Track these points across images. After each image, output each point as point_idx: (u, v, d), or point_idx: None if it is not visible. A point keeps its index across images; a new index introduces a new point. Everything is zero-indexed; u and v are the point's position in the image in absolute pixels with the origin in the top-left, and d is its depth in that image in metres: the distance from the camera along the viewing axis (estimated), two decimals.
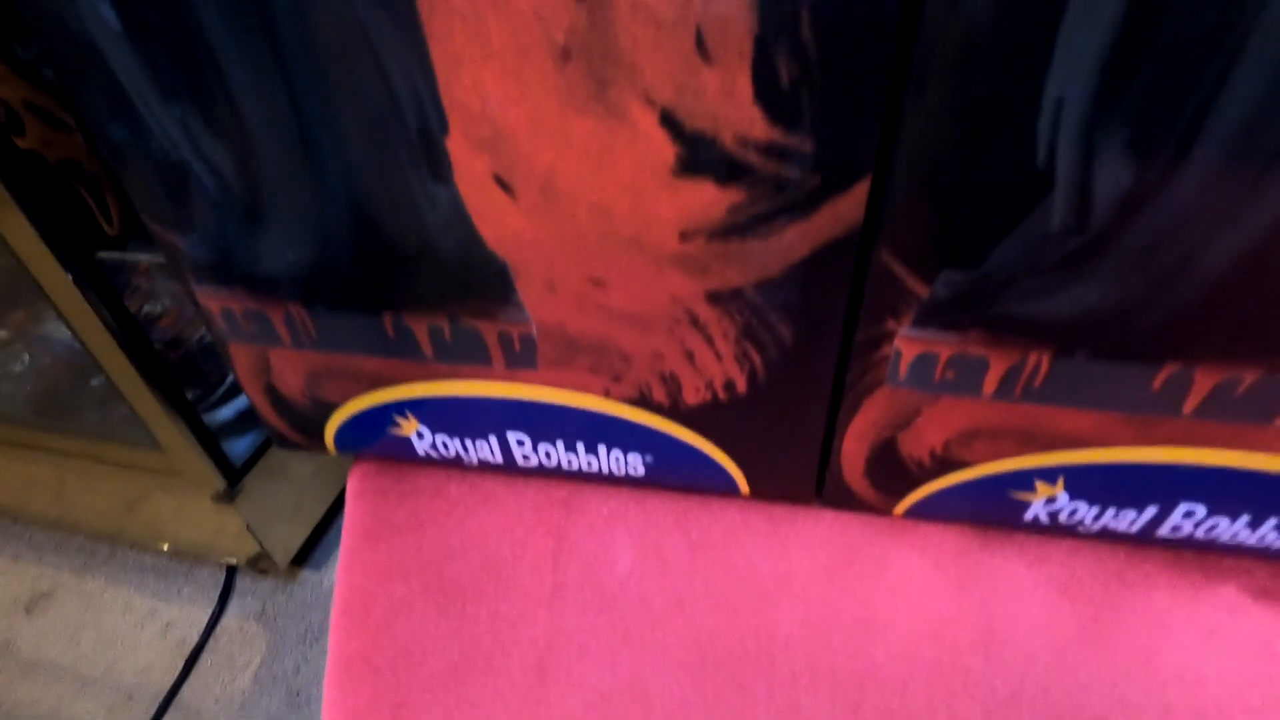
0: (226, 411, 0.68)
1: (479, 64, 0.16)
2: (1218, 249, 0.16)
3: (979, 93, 0.14)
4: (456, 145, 0.17)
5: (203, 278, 0.22)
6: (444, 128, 0.17)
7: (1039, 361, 0.18)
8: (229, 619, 0.63)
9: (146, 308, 0.72)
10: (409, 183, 0.18)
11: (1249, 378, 0.17)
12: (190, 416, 0.55)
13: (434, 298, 0.21)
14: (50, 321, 0.74)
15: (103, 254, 0.52)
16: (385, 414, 0.25)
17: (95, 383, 0.69)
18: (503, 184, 0.18)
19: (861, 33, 0.14)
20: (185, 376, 0.63)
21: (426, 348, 0.22)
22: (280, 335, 0.23)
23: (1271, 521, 0.21)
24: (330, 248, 0.20)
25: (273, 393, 0.25)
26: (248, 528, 0.60)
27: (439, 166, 0.18)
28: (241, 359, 0.24)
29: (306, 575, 0.66)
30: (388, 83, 0.16)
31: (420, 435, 0.26)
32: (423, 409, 0.24)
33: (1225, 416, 0.18)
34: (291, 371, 0.24)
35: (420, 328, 0.22)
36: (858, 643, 0.22)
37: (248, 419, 0.67)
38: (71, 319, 0.51)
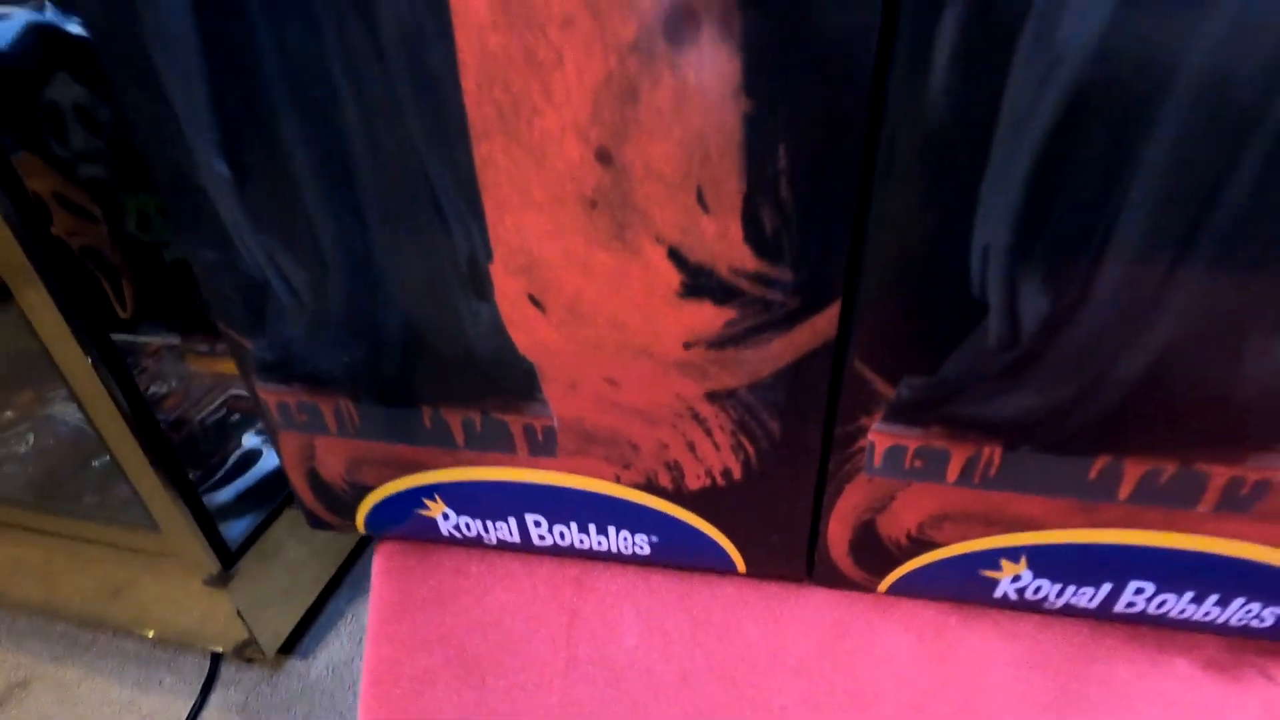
0: (225, 494, 0.69)
1: (521, 210, 0.20)
2: (1130, 359, 0.19)
3: (922, 244, 0.18)
4: (498, 271, 0.21)
5: (265, 375, 0.25)
6: (489, 257, 0.21)
7: (991, 454, 0.21)
8: (210, 711, 0.62)
9: (153, 388, 0.74)
10: (455, 300, 0.22)
11: (1169, 469, 0.20)
12: (191, 497, 0.56)
13: (469, 394, 0.24)
14: (57, 403, 0.77)
15: (116, 336, 0.55)
16: (415, 497, 0.28)
17: (96, 464, 0.70)
18: (535, 302, 0.21)
19: (829, 196, 0.18)
20: (187, 457, 0.65)
21: (459, 437, 0.25)
22: (328, 425, 0.26)
23: (1212, 598, 0.23)
24: (382, 351, 0.23)
25: (314, 477, 0.28)
26: (238, 613, 0.60)
27: (482, 287, 0.21)
28: (289, 445, 0.27)
29: (293, 665, 0.65)
30: (445, 221, 0.20)
31: (446, 516, 0.28)
32: (450, 492, 0.27)
33: (1155, 502, 0.21)
34: (334, 457, 0.27)
35: (455, 420, 0.25)
36: (850, 715, 0.24)
37: (246, 501, 0.69)
38: (85, 399, 0.53)
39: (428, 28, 0.17)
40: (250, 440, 0.70)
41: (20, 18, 0.60)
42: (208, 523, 0.57)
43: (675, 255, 0.20)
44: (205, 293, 0.24)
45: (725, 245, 0.19)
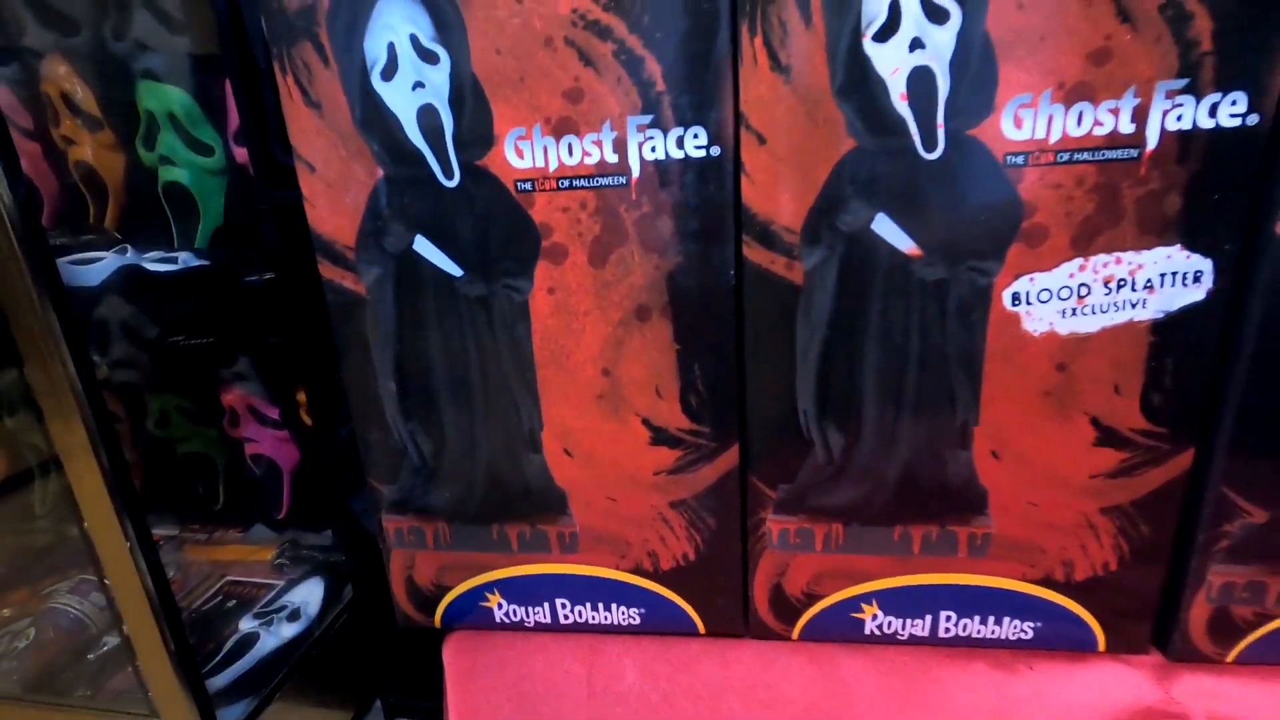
0: (222, 678, 0.73)
1: (561, 403, 0.36)
2: (892, 465, 0.35)
3: (774, 409, 0.34)
4: (546, 436, 0.37)
5: (390, 510, 0.39)
6: (541, 429, 0.36)
7: (837, 529, 0.36)
8: None
9: None
10: (519, 454, 0.37)
11: (934, 530, 0.35)
12: (195, 682, 0.58)
13: (523, 513, 0.38)
14: (61, 595, 0.81)
15: None
16: (479, 593, 0.41)
17: (91, 656, 0.74)
18: (568, 453, 0.37)
19: (724, 388, 0.34)
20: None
21: (514, 544, 0.39)
22: (426, 541, 0.40)
23: (991, 619, 0.37)
24: (471, 490, 0.38)
25: (410, 583, 0.41)
26: None
27: (536, 446, 0.37)
28: (397, 561, 0.41)
29: None
30: (518, 411, 0.36)
31: (499, 606, 0.41)
32: (504, 586, 0.40)
33: (934, 554, 0.36)
34: (428, 566, 0.41)
35: (512, 531, 0.39)
36: (773, 715, 0.36)
37: (242, 685, 0.73)
38: (116, 580, 0.59)
39: (516, 317, 0.34)
40: (247, 624, 0.74)
41: (113, 261, 0.74)
42: (207, 708, 0.59)
43: (646, 423, 0.36)
44: (364, 459, 0.39)
45: (672, 416, 0.35)
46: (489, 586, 0.41)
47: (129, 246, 0.69)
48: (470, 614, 0.42)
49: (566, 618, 0.41)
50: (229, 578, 0.76)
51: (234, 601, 0.74)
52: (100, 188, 0.64)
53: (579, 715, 0.36)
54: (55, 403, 0.48)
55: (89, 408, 0.48)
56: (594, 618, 0.41)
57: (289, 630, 0.69)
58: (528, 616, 0.41)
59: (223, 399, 0.67)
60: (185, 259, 0.65)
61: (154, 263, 0.67)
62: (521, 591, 0.41)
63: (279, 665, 0.68)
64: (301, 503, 0.70)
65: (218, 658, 0.71)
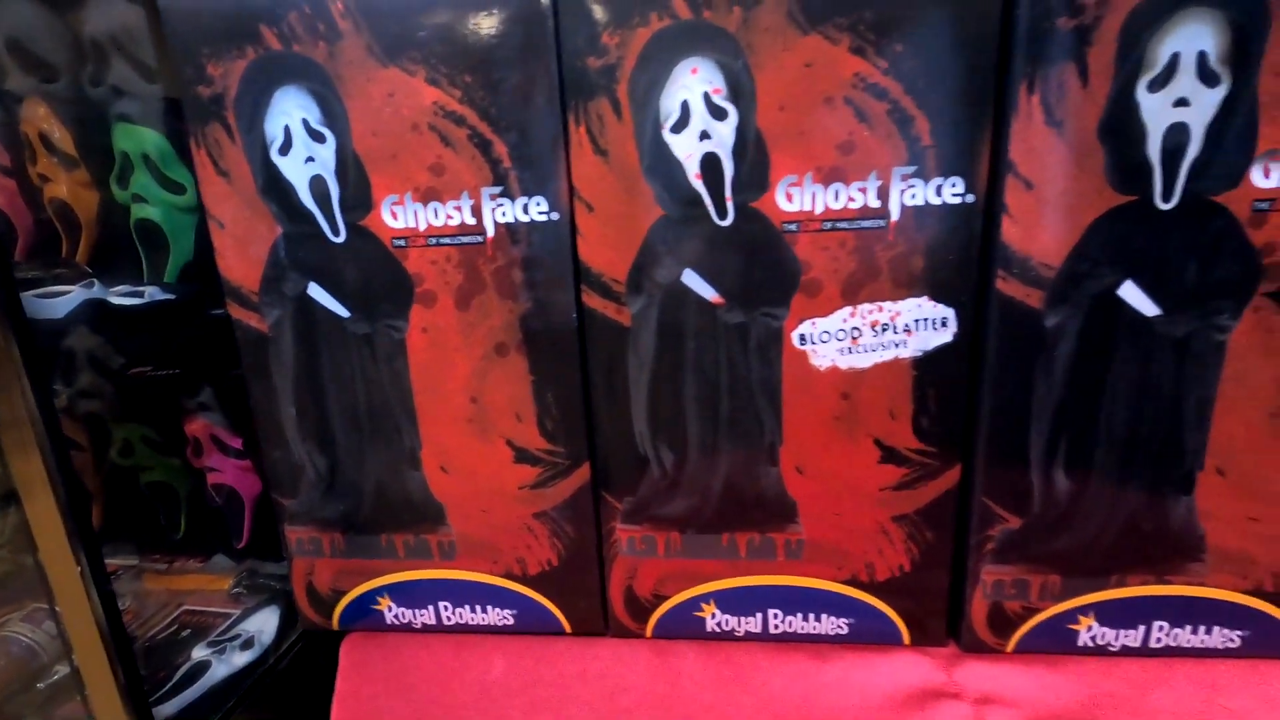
0: (171, 706, 0.75)
1: (438, 425, 0.41)
2: (712, 480, 0.40)
3: (615, 432, 0.40)
4: (426, 454, 0.42)
5: (292, 521, 0.44)
6: (420, 447, 0.42)
7: (673, 537, 0.42)
8: None
9: None
10: (404, 472, 0.42)
11: (756, 537, 0.41)
12: (143, 713, 0.59)
13: (406, 523, 0.44)
14: (12, 624, 0.83)
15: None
16: (372, 597, 0.46)
17: (42, 685, 0.76)
18: (444, 470, 0.42)
19: (572, 414, 0.40)
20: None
21: (400, 552, 0.44)
22: (324, 550, 0.45)
23: (812, 616, 0.42)
24: (361, 503, 0.43)
25: (311, 588, 0.46)
26: None
27: (417, 465, 0.42)
28: (298, 567, 0.45)
29: None
30: (400, 434, 0.42)
31: (390, 609, 0.46)
32: (394, 591, 0.45)
33: (758, 558, 0.41)
34: (325, 573, 0.45)
35: (399, 540, 0.44)
36: (619, 701, 0.41)
37: (192, 712, 0.74)
38: (66, 608, 0.62)
39: (396, 352, 0.40)
40: (200, 652, 0.76)
41: (79, 295, 0.78)
42: None
43: (510, 444, 0.41)
44: (269, 475, 0.44)
45: (531, 438, 0.41)
46: (380, 591, 0.46)
47: (95, 281, 0.71)
48: (365, 617, 0.47)
49: (449, 619, 0.46)
50: (186, 607, 0.77)
51: (189, 630, 0.75)
52: (74, 223, 0.68)
53: (450, 703, 0.41)
54: (15, 435, 0.50)
55: (48, 441, 0.50)
56: (473, 619, 0.46)
57: (241, 658, 0.70)
58: (415, 618, 0.46)
59: (186, 429, 0.69)
60: (151, 293, 0.68)
61: (120, 296, 0.69)
62: (409, 595, 0.46)
63: (229, 693, 0.69)
64: (262, 532, 0.71)
65: (167, 686, 0.73)
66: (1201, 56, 0.31)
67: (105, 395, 0.71)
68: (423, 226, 0.38)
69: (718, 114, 0.35)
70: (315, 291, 0.40)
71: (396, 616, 0.46)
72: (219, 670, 0.70)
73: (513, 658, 0.43)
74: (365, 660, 0.45)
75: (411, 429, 0.42)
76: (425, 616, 0.46)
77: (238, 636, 0.75)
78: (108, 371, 0.71)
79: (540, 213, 0.38)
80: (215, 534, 0.74)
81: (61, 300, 0.68)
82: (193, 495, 0.73)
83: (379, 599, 0.46)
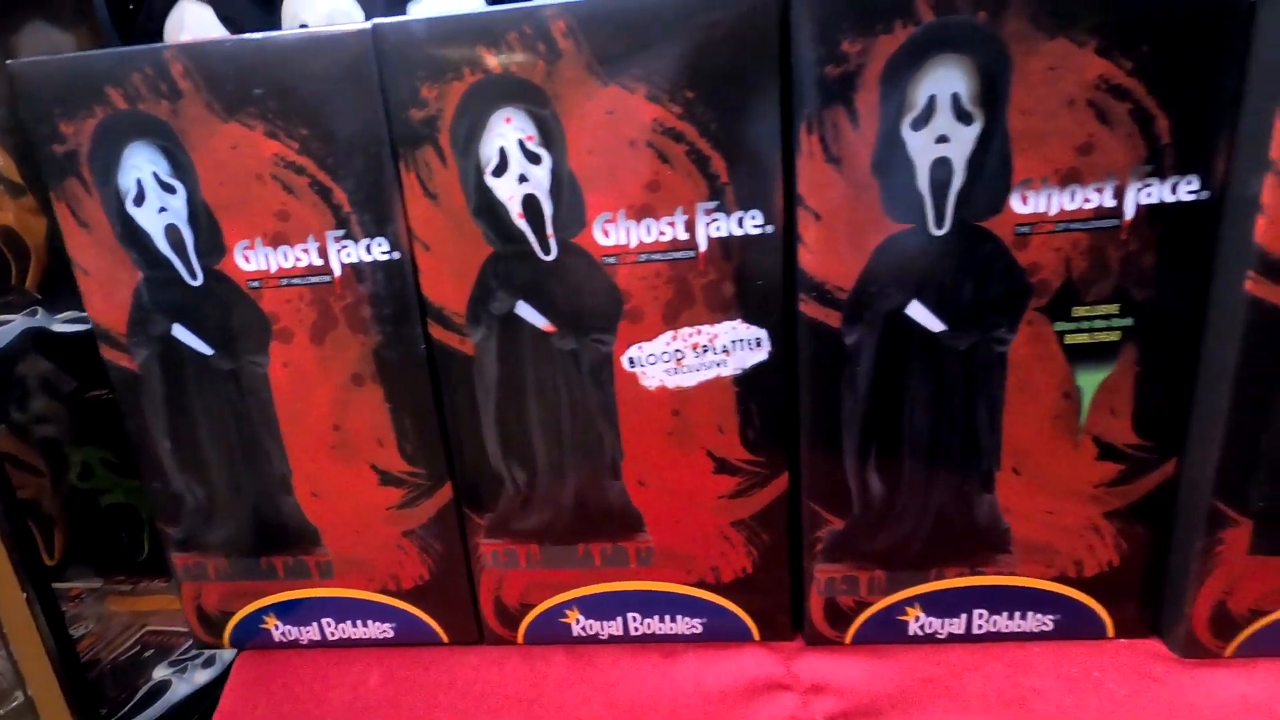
0: None
1: (306, 451, 0.44)
2: (563, 498, 0.43)
3: (471, 453, 0.43)
4: (296, 480, 0.44)
5: (177, 548, 0.47)
6: (290, 474, 0.44)
7: (532, 549, 0.44)
8: None
9: (72, 631, 0.84)
10: (277, 497, 0.45)
11: (609, 546, 0.44)
12: None
13: (284, 545, 0.46)
14: None
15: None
16: (258, 617, 0.48)
17: (2, 711, 0.77)
18: (315, 494, 0.45)
19: (430, 439, 0.43)
20: (98, 696, 0.70)
21: (281, 572, 0.47)
22: (208, 573, 0.47)
23: (669, 618, 0.45)
24: (240, 528, 0.46)
25: (200, 611, 0.48)
26: None
27: (289, 489, 0.45)
28: (187, 591, 0.48)
29: None
30: (272, 462, 0.44)
31: (277, 628, 0.48)
32: (278, 610, 0.48)
33: (614, 565, 0.44)
34: (212, 595, 0.48)
35: (279, 562, 0.46)
36: (490, 703, 0.44)
37: None
38: (13, 636, 0.64)
39: (260, 386, 0.43)
40: (160, 672, 0.79)
41: (21, 324, 0.79)
42: None
43: (374, 467, 0.44)
44: (153, 506, 0.46)
45: (394, 461, 0.44)
46: (266, 611, 0.48)
47: (40, 308, 0.71)
48: (254, 636, 0.49)
49: (333, 635, 0.48)
50: (149, 627, 0.78)
51: (152, 651, 0.75)
52: (22, 250, 0.68)
53: (324, 714, 0.44)
54: None
55: None
56: (354, 633, 0.48)
57: (202, 676, 0.72)
58: (301, 635, 0.49)
59: None
60: None
61: (65, 323, 0.69)
62: (293, 614, 0.48)
63: (190, 711, 0.70)
64: None
65: (126, 707, 0.74)
66: (955, 98, 0.34)
67: (61, 419, 0.71)
68: (274, 269, 0.41)
69: (533, 159, 0.37)
70: (179, 332, 0.42)
71: (284, 634, 0.49)
72: (180, 689, 0.72)
73: (390, 669, 0.46)
74: (252, 678, 0.47)
75: (281, 457, 0.44)
76: (310, 633, 0.49)
77: (199, 655, 0.76)
78: (62, 396, 0.71)
79: (382, 253, 0.40)
80: None
81: (3, 330, 0.68)
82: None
83: (265, 618, 0.48)
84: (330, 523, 0.46)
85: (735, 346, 0.40)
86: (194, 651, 0.76)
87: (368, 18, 0.57)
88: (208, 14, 0.75)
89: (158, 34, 0.71)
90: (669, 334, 0.40)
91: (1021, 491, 0.41)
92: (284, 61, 0.38)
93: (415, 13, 0.60)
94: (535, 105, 0.37)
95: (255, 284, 0.41)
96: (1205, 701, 0.40)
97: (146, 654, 0.76)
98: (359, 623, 0.48)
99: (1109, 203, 0.36)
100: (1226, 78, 0.34)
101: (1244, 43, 0.33)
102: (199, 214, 0.40)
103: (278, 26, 0.64)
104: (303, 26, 0.66)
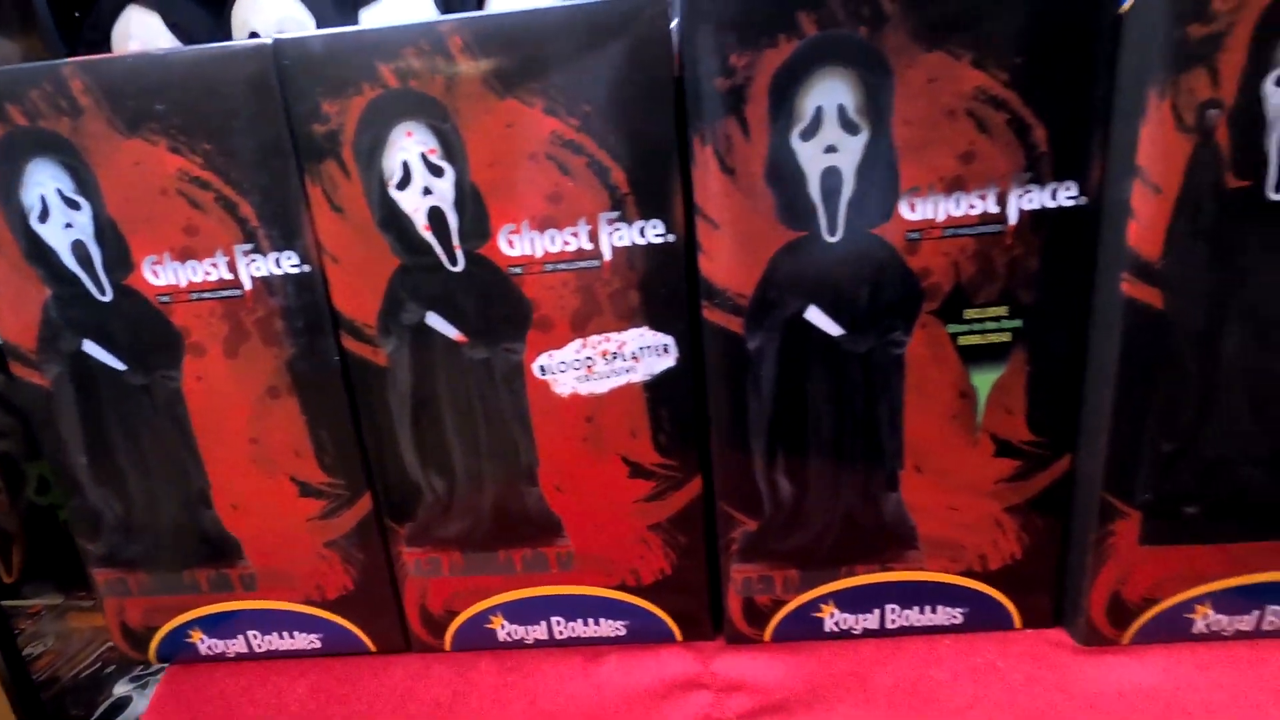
0: None
1: (224, 464, 0.44)
2: (480, 510, 0.44)
3: (382, 468, 0.43)
4: (215, 494, 0.44)
5: (98, 564, 0.46)
6: (209, 487, 0.44)
7: (455, 557, 0.45)
8: None
9: (29, 649, 0.82)
10: (196, 511, 0.45)
11: (530, 552, 0.44)
12: None
13: (205, 558, 0.46)
14: None
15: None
16: (184, 630, 0.48)
17: None
18: (235, 507, 0.45)
19: (349, 453, 0.43)
20: (56, 714, 0.70)
21: (204, 586, 0.46)
22: (131, 589, 0.47)
23: (591, 621, 0.46)
24: (158, 542, 0.46)
25: (124, 626, 0.48)
26: None
27: (208, 503, 0.45)
28: (110, 607, 0.48)
29: None
30: (189, 477, 0.44)
31: (202, 641, 0.48)
32: (203, 623, 0.48)
33: (534, 570, 0.45)
34: (135, 610, 0.48)
35: (201, 575, 0.46)
36: (410, 707, 0.44)
37: None
38: None
39: (175, 400, 0.43)
40: (121, 688, 0.78)
41: None
42: None
43: (293, 479, 0.44)
44: (70, 521, 0.46)
45: (312, 472, 0.44)
46: (191, 625, 0.48)
47: None
48: (180, 650, 0.49)
49: (259, 647, 0.48)
50: (110, 644, 0.74)
51: (113, 667, 0.74)
52: None
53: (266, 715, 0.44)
54: None
55: None
56: (281, 644, 0.48)
57: None
58: (227, 648, 0.49)
59: None
60: None
61: None
62: (218, 627, 0.48)
63: None
64: None
65: None
66: (841, 109, 0.35)
67: (15, 434, 0.71)
68: (183, 283, 0.41)
69: (436, 172, 0.38)
70: (89, 348, 0.42)
71: (210, 647, 0.49)
72: (140, 705, 0.70)
73: (316, 680, 0.46)
74: (177, 692, 0.47)
75: (199, 471, 0.44)
76: (237, 646, 0.49)
77: (161, 669, 0.75)
78: (15, 409, 0.70)
79: (292, 266, 0.40)
80: None
81: None
82: None
83: (190, 632, 0.48)
84: (251, 535, 0.46)
85: (644, 353, 0.41)
86: (156, 665, 0.76)
87: (318, 24, 0.58)
88: (155, 21, 0.75)
89: (104, 42, 0.71)
90: (578, 342, 0.41)
91: (925, 489, 0.42)
92: (185, 78, 0.38)
93: (367, 19, 0.61)
94: (435, 119, 0.37)
95: (165, 299, 0.41)
96: (1101, 688, 0.41)
97: (108, 670, 0.75)
98: (285, 634, 0.48)
99: (993, 209, 0.37)
100: (1097, 88, 0.35)
101: (1112, 55, 0.35)
102: (105, 230, 0.40)
103: (228, 33, 0.64)
104: (253, 35, 0.66)
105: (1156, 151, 0.34)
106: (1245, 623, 0.42)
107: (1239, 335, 0.36)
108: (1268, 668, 0.41)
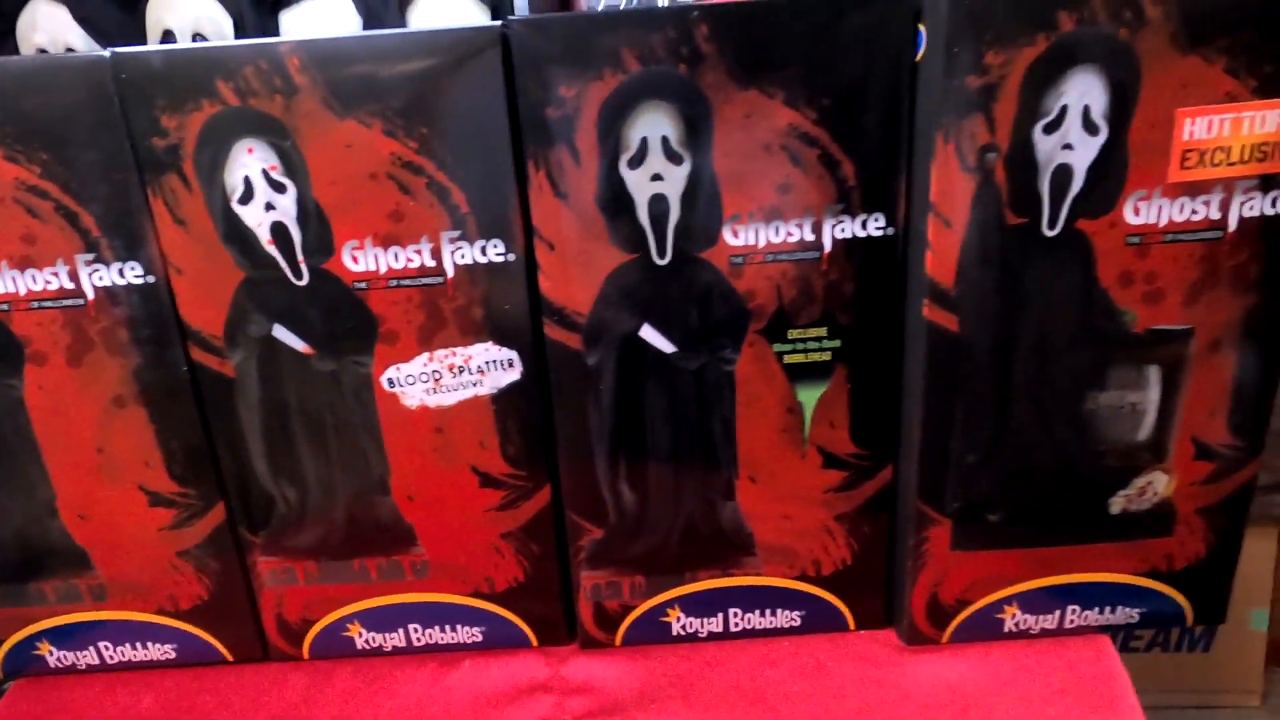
0: None
1: (68, 475, 0.43)
2: (338, 511, 0.45)
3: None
4: (61, 505, 0.44)
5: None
6: (55, 498, 0.44)
7: (309, 565, 0.45)
8: None
9: None
10: (43, 522, 0.44)
11: (384, 560, 0.45)
12: None
13: (52, 570, 0.45)
14: None
15: None
16: (31, 643, 0.47)
17: None
18: (82, 517, 0.44)
19: (200, 462, 0.43)
20: None
21: (52, 597, 0.46)
22: None
23: (467, 629, 0.47)
24: (5, 554, 0.45)
25: None
26: None
27: (54, 513, 0.44)
28: None
29: None
30: (32, 483, 0.44)
31: (51, 653, 0.47)
32: (51, 635, 0.47)
33: (392, 578, 0.46)
34: None
35: (48, 587, 0.46)
36: (314, 709, 0.44)
37: None
38: None
39: (16, 409, 0.42)
40: None
41: None
42: None
43: (142, 489, 0.44)
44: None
45: (162, 482, 0.44)
46: (38, 636, 0.47)
47: None
48: (28, 663, 0.48)
49: (111, 658, 0.48)
50: None
51: None
52: None
53: None
54: None
55: None
56: (134, 655, 0.48)
57: None
58: (78, 660, 0.48)
59: None
60: None
61: None
62: (68, 639, 0.48)
63: None
64: None
65: None
66: (665, 140, 0.38)
67: None
68: (23, 292, 0.40)
69: (278, 188, 0.39)
70: None
71: (59, 660, 0.48)
72: None
73: (165, 690, 0.46)
74: (20, 706, 0.46)
75: (44, 481, 0.44)
76: (88, 657, 0.48)
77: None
78: None
79: (135, 276, 0.41)
80: None
81: None
82: None
83: (38, 644, 0.48)
84: (100, 545, 0.45)
85: (489, 367, 0.42)
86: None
87: (236, 25, 0.57)
88: (63, 14, 0.73)
89: (9, 34, 0.69)
90: (425, 355, 0.42)
91: (760, 498, 0.44)
92: (20, 87, 0.38)
93: (286, 21, 0.60)
94: (276, 137, 0.38)
95: (4, 307, 0.41)
96: (921, 684, 0.44)
97: None
98: (139, 645, 0.48)
99: (809, 237, 0.40)
100: (899, 129, 0.38)
101: (909, 99, 0.38)
102: None
103: (141, 30, 0.63)
104: (166, 32, 0.65)
105: (945, 189, 0.37)
106: (1049, 621, 0.45)
107: (1025, 356, 0.40)
108: (1067, 661, 0.44)
